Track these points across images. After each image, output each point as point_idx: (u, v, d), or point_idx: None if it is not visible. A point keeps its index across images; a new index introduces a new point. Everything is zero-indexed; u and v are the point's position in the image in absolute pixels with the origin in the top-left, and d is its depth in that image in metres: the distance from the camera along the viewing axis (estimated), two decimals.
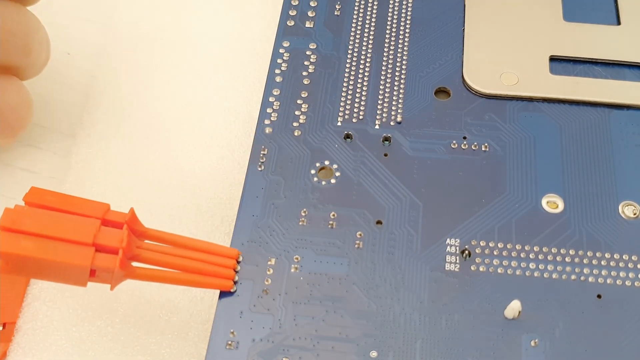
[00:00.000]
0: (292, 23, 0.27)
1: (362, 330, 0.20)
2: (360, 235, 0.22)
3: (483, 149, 0.24)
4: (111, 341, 0.22)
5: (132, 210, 0.20)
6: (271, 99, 0.25)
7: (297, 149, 0.24)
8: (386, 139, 0.24)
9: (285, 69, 0.26)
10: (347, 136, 0.24)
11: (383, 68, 0.25)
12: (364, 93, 0.25)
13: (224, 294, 0.21)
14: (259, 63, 0.28)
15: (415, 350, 0.20)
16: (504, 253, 0.22)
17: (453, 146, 0.24)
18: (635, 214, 0.22)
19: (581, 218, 0.22)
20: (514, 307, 0.20)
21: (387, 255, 0.22)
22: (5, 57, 0.23)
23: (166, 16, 0.30)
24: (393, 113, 0.24)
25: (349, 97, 0.25)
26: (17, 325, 0.23)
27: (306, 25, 0.27)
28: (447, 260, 0.22)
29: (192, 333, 0.23)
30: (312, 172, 0.23)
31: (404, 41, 0.26)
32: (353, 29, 0.26)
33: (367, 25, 0.27)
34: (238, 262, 0.21)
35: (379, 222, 0.22)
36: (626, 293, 0.21)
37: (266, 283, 0.21)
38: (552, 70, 0.25)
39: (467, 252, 0.22)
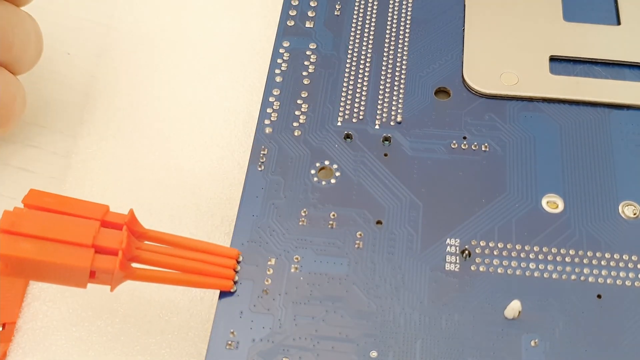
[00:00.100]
0: (292, 23, 0.27)
1: (362, 330, 0.20)
2: (360, 235, 0.22)
3: (483, 149, 0.24)
4: (111, 341, 0.22)
5: (131, 211, 0.20)
6: (271, 99, 0.25)
7: (297, 149, 0.24)
8: (386, 139, 0.24)
9: (285, 69, 0.26)
10: (347, 136, 0.24)
11: (383, 68, 0.25)
12: (364, 93, 0.25)
13: (224, 294, 0.21)
14: (259, 63, 0.28)
15: (415, 350, 0.20)
16: (504, 253, 0.22)
17: (453, 146, 0.24)
18: (635, 214, 0.22)
19: (581, 218, 0.22)
20: (514, 307, 0.20)
21: (387, 255, 0.22)
22: None
23: (166, 16, 0.30)
24: (393, 113, 0.24)
25: (349, 97, 0.25)
26: (17, 325, 0.23)
27: (306, 25, 0.27)
28: (447, 260, 0.22)
29: (192, 333, 0.23)
30: (312, 172, 0.23)
31: (404, 41, 0.26)
32: (353, 29, 0.26)
33: (367, 25, 0.27)
34: (238, 262, 0.21)
35: (379, 222, 0.22)
36: (626, 293, 0.21)
37: (266, 283, 0.21)
38: (552, 70, 0.25)
39: (467, 252, 0.22)
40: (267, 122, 0.24)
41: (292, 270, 0.21)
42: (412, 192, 0.23)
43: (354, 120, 0.24)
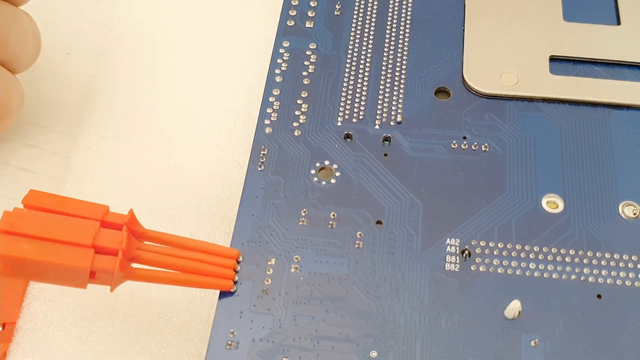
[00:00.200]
0: (292, 23, 0.27)
1: (362, 330, 0.20)
2: (360, 235, 0.22)
3: (483, 149, 0.24)
4: (111, 341, 0.22)
5: (131, 212, 0.20)
6: (271, 99, 0.25)
7: (297, 149, 0.24)
8: (386, 139, 0.24)
9: (285, 69, 0.26)
10: (347, 136, 0.24)
11: (383, 68, 0.25)
12: (364, 93, 0.25)
13: (224, 294, 0.21)
14: (259, 63, 0.28)
15: (415, 350, 0.20)
16: (504, 253, 0.22)
17: (453, 146, 0.24)
18: (635, 214, 0.22)
19: (581, 218, 0.22)
20: (514, 307, 0.20)
21: (387, 255, 0.22)
22: None
23: (166, 16, 0.30)
24: (393, 113, 0.24)
25: (349, 97, 0.25)
26: (17, 325, 0.23)
27: (306, 25, 0.27)
28: (447, 260, 0.22)
29: (192, 333, 0.23)
30: (312, 172, 0.23)
31: (404, 41, 0.26)
32: (353, 29, 0.26)
33: (367, 25, 0.27)
34: (238, 262, 0.21)
35: (379, 222, 0.22)
36: (626, 293, 0.21)
37: (266, 283, 0.21)
38: (552, 70, 0.25)
39: (467, 252, 0.22)
40: (267, 122, 0.24)
41: (292, 270, 0.21)
42: (412, 192, 0.23)
43: (354, 120, 0.24)
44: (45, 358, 0.22)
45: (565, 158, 0.23)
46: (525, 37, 0.26)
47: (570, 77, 0.25)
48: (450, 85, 0.25)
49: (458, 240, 0.22)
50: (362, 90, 0.25)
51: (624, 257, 0.22)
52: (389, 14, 0.27)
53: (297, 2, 0.27)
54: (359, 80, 0.25)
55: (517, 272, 0.21)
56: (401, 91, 0.25)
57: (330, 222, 0.22)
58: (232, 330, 0.20)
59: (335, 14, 0.27)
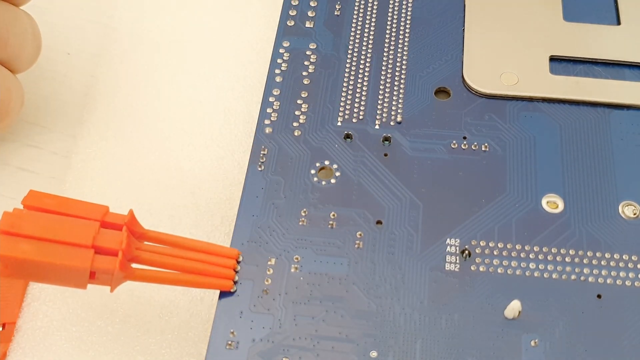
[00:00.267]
0: (292, 23, 0.27)
1: (362, 330, 0.20)
2: (360, 235, 0.22)
3: (483, 149, 0.24)
4: (111, 341, 0.22)
5: (131, 212, 0.20)
6: (271, 99, 0.25)
7: (297, 149, 0.24)
8: (386, 139, 0.24)
9: (285, 69, 0.26)
10: (347, 136, 0.24)
11: (383, 68, 0.25)
12: (364, 93, 0.25)
13: (224, 294, 0.21)
14: (259, 63, 0.28)
15: (415, 350, 0.20)
16: (504, 253, 0.22)
17: (453, 146, 0.24)
18: (635, 214, 0.22)
19: (581, 218, 0.22)
20: (514, 307, 0.20)
21: (387, 255, 0.22)
22: None
23: (166, 16, 0.30)
24: (393, 113, 0.24)
25: (349, 97, 0.25)
26: (17, 325, 0.23)
27: (306, 25, 0.27)
28: (447, 260, 0.22)
29: (192, 333, 0.23)
30: (312, 172, 0.23)
31: (404, 41, 0.26)
32: (353, 29, 0.26)
33: (367, 25, 0.27)
34: (238, 262, 0.21)
35: (379, 222, 0.22)
36: (626, 293, 0.21)
37: (266, 283, 0.21)
38: (552, 70, 0.25)
39: (467, 252, 0.22)
40: (267, 122, 0.24)
41: (292, 270, 0.21)
42: (412, 192, 0.23)
43: (354, 120, 0.24)
44: (45, 358, 0.22)
45: (565, 158, 0.23)
46: (525, 37, 0.26)
47: (570, 77, 0.25)
48: (450, 85, 0.25)
49: (458, 240, 0.22)
50: (362, 90, 0.25)
51: (624, 257, 0.22)
52: (389, 14, 0.27)
53: (297, 2, 0.27)
54: (359, 80, 0.25)
55: (517, 272, 0.21)
56: (401, 91, 0.25)
57: (330, 222, 0.22)
58: (232, 330, 0.20)
59: (335, 14, 0.27)
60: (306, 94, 0.25)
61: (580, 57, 0.26)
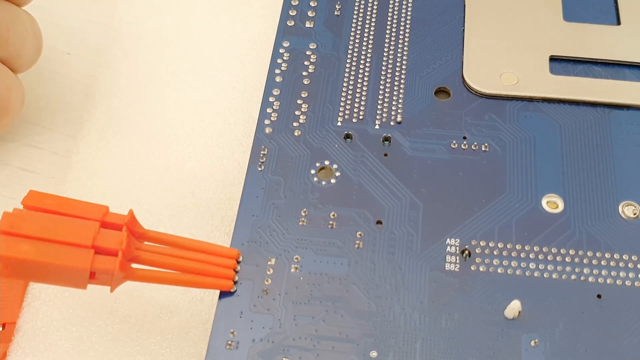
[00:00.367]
0: (292, 23, 0.27)
1: (362, 330, 0.20)
2: (360, 235, 0.22)
3: (483, 149, 0.24)
4: (111, 341, 0.22)
5: (131, 212, 0.20)
6: (271, 99, 0.25)
7: (297, 149, 0.24)
8: (386, 139, 0.24)
9: (285, 69, 0.26)
10: (347, 136, 0.24)
11: (383, 68, 0.25)
12: (364, 93, 0.25)
13: (224, 294, 0.21)
14: (259, 63, 0.28)
15: (415, 350, 0.20)
16: (504, 253, 0.22)
17: (453, 146, 0.24)
18: (635, 214, 0.22)
19: (581, 218, 0.22)
20: (514, 307, 0.20)
21: (387, 255, 0.22)
22: None
23: (166, 16, 0.30)
24: (393, 113, 0.24)
25: (349, 97, 0.25)
26: (17, 325, 0.23)
27: (306, 25, 0.27)
28: (447, 260, 0.22)
29: (192, 333, 0.23)
30: (312, 172, 0.23)
31: (404, 41, 0.26)
32: (353, 29, 0.26)
33: (367, 25, 0.27)
34: (238, 262, 0.21)
35: (379, 222, 0.22)
36: (626, 293, 0.21)
37: (266, 283, 0.21)
38: (552, 70, 0.25)
39: (467, 252, 0.22)
40: (267, 122, 0.24)
41: (292, 270, 0.21)
42: (412, 192, 0.23)
43: (354, 120, 0.24)
44: (45, 358, 0.22)
45: (565, 158, 0.23)
46: (525, 37, 0.26)
47: (570, 77, 0.25)
48: (450, 85, 0.25)
49: (458, 240, 0.22)
50: (362, 90, 0.25)
51: (624, 257, 0.22)
52: (389, 14, 0.27)
53: (297, 2, 0.27)
54: (359, 80, 0.25)
55: (517, 272, 0.21)
56: (401, 91, 0.25)
57: (330, 222, 0.22)
58: (232, 330, 0.20)
59: (335, 14, 0.27)
60: (306, 94, 0.25)
61: (580, 57, 0.26)
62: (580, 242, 0.22)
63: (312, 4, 0.27)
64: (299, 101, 0.25)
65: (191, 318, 0.23)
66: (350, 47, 0.26)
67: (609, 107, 0.25)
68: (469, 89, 0.25)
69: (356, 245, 0.22)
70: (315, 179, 0.23)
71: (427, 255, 0.22)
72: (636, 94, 0.25)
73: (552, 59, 0.26)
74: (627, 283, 0.21)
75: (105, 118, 0.27)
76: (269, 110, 0.25)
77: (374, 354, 0.20)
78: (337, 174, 0.23)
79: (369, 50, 0.26)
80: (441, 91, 0.25)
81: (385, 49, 0.26)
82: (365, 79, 0.25)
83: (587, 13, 0.27)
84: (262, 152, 0.24)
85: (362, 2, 0.27)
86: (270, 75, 0.25)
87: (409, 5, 0.27)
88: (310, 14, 0.27)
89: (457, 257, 0.22)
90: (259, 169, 0.23)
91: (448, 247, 0.22)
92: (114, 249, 0.19)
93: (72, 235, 0.19)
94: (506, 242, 0.22)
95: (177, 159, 0.26)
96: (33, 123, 0.27)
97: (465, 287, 0.21)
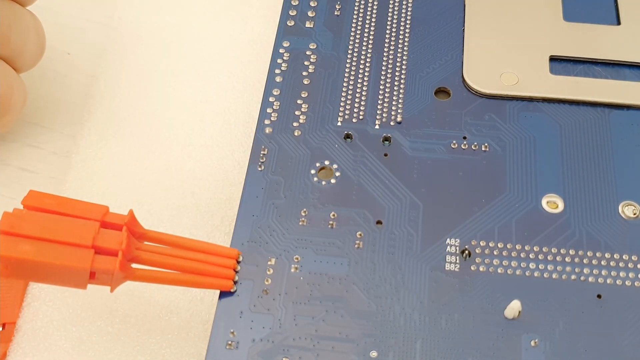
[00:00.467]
0: (292, 23, 0.27)
1: (362, 330, 0.20)
2: (360, 235, 0.22)
3: (483, 149, 0.24)
4: (111, 341, 0.22)
5: (131, 212, 0.20)
6: (271, 99, 0.25)
7: (297, 149, 0.24)
8: (386, 139, 0.24)
9: (285, 69, 0.26)
10: (347, 136, 0.24)
11: (383, 68, 0.25)
12: (364, 93, 0.25)
13: (224, 294, 0.21)
14: (259, 63, 0.28)
15: (415, 350, 0.20)
16: (504, 253, 0.22)
17: (453, 146, 0.24)
18: (635, 214, 0.22)
19: (581, 218, 0.22)
20: (514, 307, 0.20)
21: (387, 255, 0.22)
22: None
23: (166, 16, 0.30)
24: (393, 113, 0.24)
25: (349, 97, 0.25)
26: (17, 325, 0.23)
27: (306, 25, 0.27)
28: (447, 260, 0.22)
29: (192, 333, 0.23)
30: (312, 172, 0.23)
31: (404, 41, 0.26)
32: (353, 29, 0.26)
33: (367, 25, 0.27)
34: (238, 262, 0.21)
35: (379, 222, 0.22)
36: (626, 293, 0.21)
37: (266, 283, 0.21)
38: (552, 70, 0.25)
39: (467, 252, 0.22)
40: (267, 122, 0.24)
41: (292, 270, 0.21)
42: (412, 192, 0.23)
43: (354, 120, 0.24)
44: (45, 358, 0.22)
45: (565, 158, 0.23)
46: (525, 37, 0.26)
47: (570, 77, 0.25)
48: (450, 85, 0.25)
49: (458, 240, 0.22)
50: (362, 90, 0.25)
51: (624, 257, 0.22)
52: (389, 14, 0.27)
53: (297, 2, 0.27)
54: (359, 80, 0.25)
55: (517, 272, 0.21)
56: (401, 91, 0.25)
57: (330, 222, 0.22)
58: (232, 330, 0.20)
59: (335, 14, 0.27)
60: (306, 94, 0.25)
61: (580, 57, 0.26)
62: (580, 242, 0.22)
63: (312, 4, 0.27)
64: (299, 101, 0.25)
65: (191, 318, 0.23)
66: (350, 47, 0.26)
67: (609, 107, 0.25)
68: (469, 89, 0.25)
69: (356, 245, 0.22)
70: (315, 179, 0.23)
71: (427, 255, 0.22)
72: (636, 94, 0.25)
73: (552, 59, 0.26)
74: (627, 283, 0.21)
75: (105, 118, 0.27)
76: (269, 110, 0.25)
77: (374, 354, 0.20)
78: (337, 174, 0.23)
79: (369, 50, 0.26)
80: (441, 91, 0.25)
81: (385, 49, 0.26)
82: (365, 79, 0.25)
83: (587, 13, 0.27)
84: (262, 152, 0.24)
85: (362, 2, 0.27)
86: (270, 75, 0.25)
87: (409, 5, 0.27)
88: (310, 14, 0.27)
89: (457, 257, 0.22)
90: (259, 169, 0.23)
91: (448, 247, 0.22)
92: (114, 249, 0.19)
93: (72, 235, 0.19)
94: (506, 242, 0.22)
95: (177, 159, 0.26)
96: (33, 123, 0.27)
97: (465, 287, 0.21)
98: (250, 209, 0.22)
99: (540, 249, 0.22)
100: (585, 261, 0.21)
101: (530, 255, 0.22)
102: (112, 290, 0.20)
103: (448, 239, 0.22)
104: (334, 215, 0.22)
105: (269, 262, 0.21)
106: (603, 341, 0.20)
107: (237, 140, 0.26)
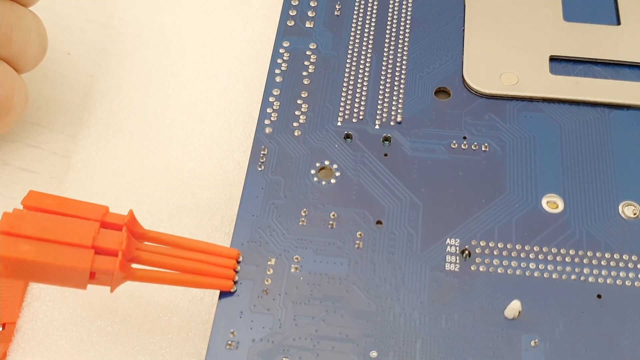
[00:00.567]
0: (292, 23, 0.27)
1: (362, 330, 0.20)
2: (360, 235, 0.22)
3: (483, 149, 0.24)
4: (111, 341, 0.22)
5: (131, 212, 0.20)
6: (271, 99, 0.25)
7: (297, 149, 0.24)
8: (386, 139, 0.24)
9: (285, 69, 0.26)
10: (347, 136, 0.24)
11: (383, 68, 0.25)
12: (364, 93, 0.25)
13: (224, 294, 0.21)
14: (259, 63, 0.28)
15: (415, 350, 0.20)
16: (504, 253, 0.22)
17: (453, 146, 0.24)
18: (635, 214, 0.22)
19: (581, 218, 0.22)
20: (514, 307, 0.20)
21: (387, 255, 0.22)
22: None
23: (166, 16, 0.30)
24: (393, 113, 0.24)
25: (349, 97, 0.25)
26: (17, 325, 0.23)
27: (306, 25, 0.27)
28: (447, 260, 0.22)
29: (192, 333, 0.23)
30: (312, 172, 0.23)
31: (404, 41, 0.26)
32: (353, 29, 0.26)
33: (367, 25, 0.27)
34: (238, 262, 0.21)
35: (379, 222, 0.22)
36: (626, 293, 0.21)
37: (266, 283, 0.21)
38: (552, 70, 0.25)
39: (467, 252, 0.22)
40: (267, 122, 0.24)
41: (292, 270, 0.21)
42: (412, 192, 0.23)
43: (354, 120, 0.24)
44: (45, 358, 0.22)
45: (565, 158, 0.23)
46: (525, 37, 0.26)
47: (570, 77, 0.25)
48: (450, 85, 0.25)
49: (458, 240, 0.22)
50: (362, 90, 0.25)
51: (624, 257, 0.22)
52: (389, 14, 0.27)
53: (297, 2, 0.27)
54: (359, 80, 0.25)
55: (517, 272, 0.21)
56: (401, 91, 0.25)
57: (330, 222, 0.22)
58: (232, 330, 0.20)
59: (335, 14, 0.27)
60: (306, 94, 0.25)
61: (580, 57, 0.26)
62: (580, 242, 0.22)
63: (312, 4, 0.27)
64: (299, 101, 0.25)
65: (191, 318, 0.23)
66: (350, 47, 0.26)
67: (609, 107, 0.25)
68: (469, 89, 0.25)
69: (356, 245, 0.22)
70: (315, 179, 0.23)
71: (427, 255, 0.22)
72: (636, 94, 0.25)
73: (552, 59, 0.26)
74: (627, 283, 0.21)
75: (105, 118, 0.27)
76: (269, 110, 0.25)
77: (374, 354, 0.20)
78: (337, 174, 0.23)
79: (369, 50, 0.26)
80: (441, 91, 0.25)
81: (385, 49, 0.26)
82: (365, 79, 0.25)
83: (587, 13, 0.27)
84: (262, 152, 0.24)
85: (362, 2, 0.27)
86: (270, 75, 0.25)
87: (409, 5, 0.27)
88: (310, 14, 0.27)
89: (457, 257, 0.22)
90: (259, 169, 0.23)
91: (448, 247, 0.22)
92: (114, 249, 0.19)
93: (72, 236, 0.19)
94: (506, 242, 0.22)
95: (177, 159, 0.26)
96: (33, 123, 0.27)
97: (465, 287, 0.21)
98: (250, 209, 0.22)
99: (540, 249, 0.22)
100: (585, 261, 0.21)
101: (530, 255, 0.22)
102: (112, 291, 0.20)
103: (448, 239, 0.22)
104: (334, 215, 0.22)
105: (269, 262, 0.22)
106: (603, 341, 0.20)
107: (237, 140, 0.26)
